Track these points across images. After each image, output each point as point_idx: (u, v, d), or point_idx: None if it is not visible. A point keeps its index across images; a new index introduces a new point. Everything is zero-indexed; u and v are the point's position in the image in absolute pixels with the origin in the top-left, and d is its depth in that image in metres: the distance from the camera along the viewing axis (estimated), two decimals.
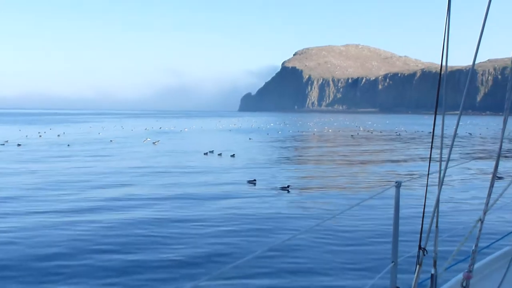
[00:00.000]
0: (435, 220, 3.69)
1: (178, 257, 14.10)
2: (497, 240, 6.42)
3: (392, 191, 4.46)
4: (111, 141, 65.18)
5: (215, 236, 16.49)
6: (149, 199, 23.09)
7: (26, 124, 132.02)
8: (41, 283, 12.00)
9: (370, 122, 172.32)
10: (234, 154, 45.74)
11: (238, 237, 16.37)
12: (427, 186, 3.79)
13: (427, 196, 3.79)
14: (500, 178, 19.60)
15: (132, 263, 13.44)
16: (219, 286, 11.22)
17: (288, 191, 25.25)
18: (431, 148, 3.68)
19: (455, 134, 3.54)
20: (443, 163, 3.56)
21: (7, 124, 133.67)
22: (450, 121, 3.61)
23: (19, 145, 56.85)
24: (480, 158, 45.47)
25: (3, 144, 57.04)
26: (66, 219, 18.47)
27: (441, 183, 3.69)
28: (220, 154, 46.06)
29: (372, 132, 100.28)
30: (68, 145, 58.63)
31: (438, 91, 3.51)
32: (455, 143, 3.61)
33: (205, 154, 46.59)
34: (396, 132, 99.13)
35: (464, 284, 4.35)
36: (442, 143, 3.56)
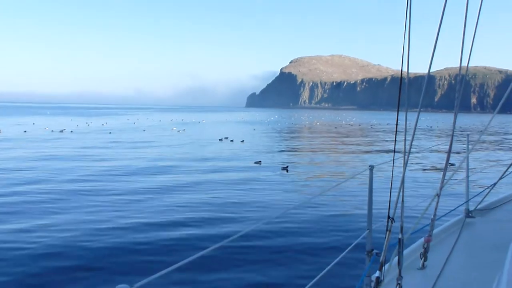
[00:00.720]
0: (401, 195, 3.67)
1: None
2: (451, 211, 6.47)
3: (367, 172, 4.51)
4: (144, 130, 64.36)
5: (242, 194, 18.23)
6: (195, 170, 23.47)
7: (77, 116, 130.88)
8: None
9: (350, 117, 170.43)
10: (243, 140, 45.21)
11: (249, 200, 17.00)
12: (393, 168, 3.82)
13: (394, 176, 3.75)
14: (452, 164, 19.58)
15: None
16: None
17: (287, 171, 25.12)
18: (395, 138, 3.64)
19: (416, 126, 3.50)
20: (407, 150, 3.57)
21: (62, 115, 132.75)
22: (413, 116, 3.67)
23: (71, 131, 56.95)
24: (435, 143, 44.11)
25: (61, 131, 56.88)
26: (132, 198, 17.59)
27: (405, 165, 3.66)
28: (232, 140, 45.40)
29: (351, 125, 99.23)
30: (110, 132, 58.13)
31: (400, 92, 3.49)
32: (416, 134, 3.59)
33: (220, 140, 46.04)
34: (371, 125, 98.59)
35: (425, 246, 4.48)
36: (405, 133, 3.55)
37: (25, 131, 57.04)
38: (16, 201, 16.22)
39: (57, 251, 10.63)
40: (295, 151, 40.46)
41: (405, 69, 3.44)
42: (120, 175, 22.86)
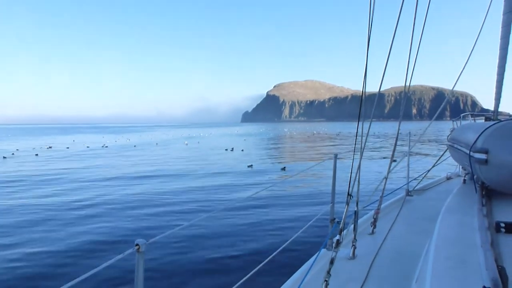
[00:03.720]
0: (358, 177, 3.75)
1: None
2: (395, 190, 6.68)
3: (332, 160, 4.60)
4: (156, 144, 62.31)
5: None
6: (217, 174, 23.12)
7: (108, 133, 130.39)
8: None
9: (321, 127, 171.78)
10: (243, 150, 44.85)
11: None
12: (353, 157, 3.84)
13: (352, 163, 3.81)
14: (395, 161, 19.94)
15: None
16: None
17: (284, 169, 24.80)
18: (356, 137, 3.68)
19: (369, 127, 3.63)
20: (363, 142, 3.66)
21: (96, 133, 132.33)
22: (367, 121, 3.80)
23: (106, 146, 55.73)
24: (388, 144, 45.07)
25: (106, 147, 55.57)
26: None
27: (361, 155, 3.79)
28: (232, 149, 44.80)
29: (320, 133, 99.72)
30: (135, 146, 57.08)
31: (360, 107, 3.55)
32: (370, 137, 3.71)
33: (226, 150, 45.19)
34: (337, 133, 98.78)
35: (375, 217, 4.70)
36: (362, 134, 3.61)
37: (88, 146, 55.98)
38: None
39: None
40: (281, 152, 40.84)
41: (364, 89, 3.54)
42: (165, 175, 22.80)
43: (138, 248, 1.96)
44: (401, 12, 3.51)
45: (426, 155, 31.70)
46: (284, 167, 25.46)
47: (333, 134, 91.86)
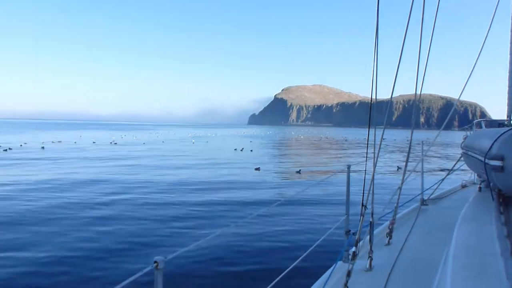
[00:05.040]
0: (372, 188, 3.69)
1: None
2: (410, 200, 6.55)
3: (345, 171, 4.58)
4: (163, 142, 63.14)
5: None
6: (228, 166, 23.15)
7: (114, 130, 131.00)
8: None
9: (327, 132, 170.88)
10: (252, 150, 45.37)
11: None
12: (366, 167, 3.79)
13: (366, 174, 3.76)
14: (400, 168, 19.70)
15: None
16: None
17: (299, 172, 24.68)
18: (367, 145, 3.64)
19: (382, 137, 3.60)
20: (376, 154, 3.63)
21: (106, 130, 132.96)
22: (378, 131, 3.72)
23: (116, 143, 56.03)
24: (398, 151, 44.71)
25: (115, 143, 55.92)
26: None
27: (374, 165, 3.73)
28: (242, 149, 45.27)
29: (328, 138, 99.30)
30: (144, 143, 57.70)
31: (370, 114, 3.51)
32: (382, 143, 3.70)
33: (235, 149, 45.59)
34: (344, 138, 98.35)
35: (390, 227, 4.62)
36: (374, 143, 3.55)
37: (94, 142, 57.03)
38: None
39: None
40: (288, 155, 40.93)
41: (374, 97, 3.51)
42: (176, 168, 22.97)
43: (157, 265, 1.92)
44: (410, 20, 3.46)
45: (439, 163, 31.24)
46: (299, 170, 25.23)
47: (340, 140, 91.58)
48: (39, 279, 7.57)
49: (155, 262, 1.93)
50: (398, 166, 27.55)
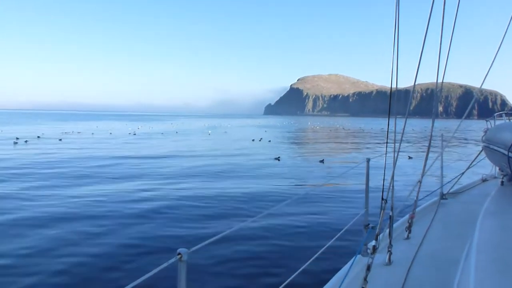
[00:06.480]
0: (392, 181, 3.64)
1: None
2: (429, 194, 6.47)
3: (364, 164, 4.53)
4: (176, 132, 62.54)
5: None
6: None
7: (131, 121, 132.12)
8: None
9: (344, 122, 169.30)
10: (270, 140, 45.22)
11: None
12: (385, 160, 3.71)
13: (385, 167, 3.67)
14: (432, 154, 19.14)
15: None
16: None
17: (323, 162, 24.49)
18: (387, 137, 3.58)
19: (404, 129, 3.52)
20: (396, 146, 3.51)
21: (123, 120, 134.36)
22: (398, 121, 3.56)
23: (135, 134, 56.14)
24: (419, 142, 43.65)
25: (134, 134, 55.90)
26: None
27: (395, 159, 3.64)
28: (260, 140, 45.15)
29: (344, 128, 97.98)
30: (162, 133, 58.03)
31: (390, 103, 3.44)
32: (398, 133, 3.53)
33: (252, 140, 45.33)
34: (361, 128, 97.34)
35: (409, 221, 4.58)
36: (395, 134, 3.48)
37: (111, 133, 57.84)
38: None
39: None
40: (306, 146, 40.72)
41: (394, 85, 3.47)
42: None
43: (180, 257, 1.93)
44: (433, 7, 3.34)
45: (460, 156, 30.12)
46: (323, 160, 25.16)
47: (356, 130, 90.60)
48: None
49: (179, 254, 1.94)
50: (409, 156, 27.31)
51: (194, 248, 2.13)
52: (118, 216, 11.41)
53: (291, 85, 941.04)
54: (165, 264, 1.95)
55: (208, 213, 11.93)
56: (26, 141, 37.72)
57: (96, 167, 21.20)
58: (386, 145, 3.60)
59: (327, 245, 4.26)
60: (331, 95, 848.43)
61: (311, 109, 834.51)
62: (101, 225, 10.44)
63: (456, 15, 3.98)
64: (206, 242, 2.31)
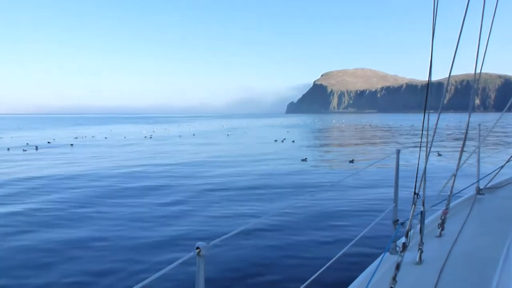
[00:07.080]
0: (424, 175, 3.52)
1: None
2: (465, 188, 6.28)
3: (394, 156, 4.39)
4: (193, 134, 61.91)
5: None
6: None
7: (146, 124, 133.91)
8: None
9: (371, 119, 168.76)
10: (294, 141, 44.99)
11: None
12: (420, 151, 3.50)
13: (418, 160, 3.57)
14: (465, 151, 19.07)
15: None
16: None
17: (352, 162, 24.68)
18: (422, 127, 3.40)
19: (437, 122, 3.48)
20: (429, 139, 3.45)
21: (137, 123, 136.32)
22: (432, 116, 3.53)
23: (151, 137, 56.28)
24: (454, 138, 44.02)
25: (150, 137, 56.58)
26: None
27: (428, 150, 3.48)
28: (283, 141, 45.00)
29: (371, 125, 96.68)
30: (180, 136, 57.58)
31: (426, 97, 3.33)
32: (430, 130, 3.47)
33: (275, 141, 45.20)
34: (388, 126, 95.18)
35: (442, 217, 4.43)
36: (428, 128, 3.39)
37: (125, 136, 57.80)
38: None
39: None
40: (332, 145, 40.48)
41: (430, 78, 3.39)
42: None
43: (199, 252, 2.01)
44: None
45: (499, 148, 30.51)
46: (352, 160, 25.25)
47: (384, 126, 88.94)
48: None
49: (197, 248, 2.02)
50: (438, 152, 27.43)
51: (213, 242, 2.21)
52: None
53: (314, 82, 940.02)
54: (184, 258, 2.02)
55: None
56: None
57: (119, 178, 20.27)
58: (421, 137, 3.50)
59: (353, 241, 4.16)
60: (357, 91, 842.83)
61: (336, 106, 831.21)
62: None
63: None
64: (225, 236, 2.38)
